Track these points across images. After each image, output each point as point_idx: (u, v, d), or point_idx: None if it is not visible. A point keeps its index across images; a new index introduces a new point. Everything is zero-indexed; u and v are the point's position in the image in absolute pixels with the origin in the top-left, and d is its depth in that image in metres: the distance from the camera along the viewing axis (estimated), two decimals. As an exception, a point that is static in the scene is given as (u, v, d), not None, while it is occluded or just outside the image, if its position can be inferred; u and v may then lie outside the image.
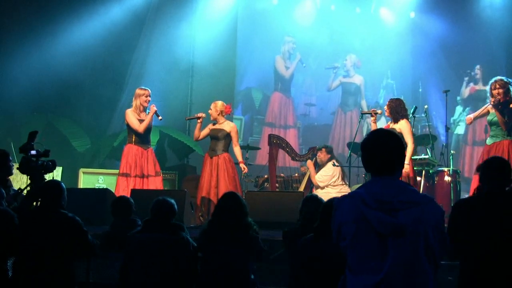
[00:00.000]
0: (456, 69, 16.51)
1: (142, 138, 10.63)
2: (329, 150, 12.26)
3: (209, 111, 10.82)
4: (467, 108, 15.93)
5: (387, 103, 10.23)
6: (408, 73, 17.85)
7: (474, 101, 15.74)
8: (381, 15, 17.71)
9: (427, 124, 12.23)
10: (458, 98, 16.64)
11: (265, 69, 17.38)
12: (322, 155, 12.13)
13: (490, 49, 16.39)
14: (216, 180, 10.46)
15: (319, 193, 11.28)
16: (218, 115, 10.76)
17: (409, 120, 10.89)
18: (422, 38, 17.07)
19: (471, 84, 16.41)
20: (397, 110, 10.03)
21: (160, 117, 10.68)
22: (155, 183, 10.63)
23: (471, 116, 10.27)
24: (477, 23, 16.40)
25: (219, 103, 10.86)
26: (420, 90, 16.97)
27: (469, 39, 16.44)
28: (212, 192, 10.37)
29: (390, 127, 9.94)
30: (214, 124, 10.82)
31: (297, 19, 17.23)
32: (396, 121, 10.02)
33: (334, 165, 11.88)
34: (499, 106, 9.62)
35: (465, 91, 16.60)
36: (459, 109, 16.42)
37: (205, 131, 10.76)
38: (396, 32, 17.24)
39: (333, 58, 17.67)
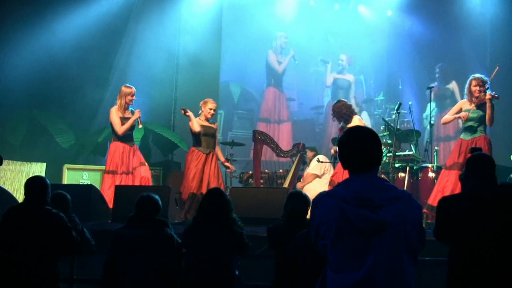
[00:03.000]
0: (428, 68, 16.64)
1: (127, 136, 10.63)
2: (313, 149, 12.87)
3: (205, 108, 10.84)
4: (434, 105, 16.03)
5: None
6: (384, 70, 17.91)
7: (438, 99, 15.92)
8: (360, 12, 17.75)
9: (411, 120, 12.27)
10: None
11: (245, 63, 17.32)
12: (310, 154, 12.68)
13: (460, 49, 16.57)
14: (208, 176, 10.53)
15: (304, 189, 11.34)
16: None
17: (395, 116, 10.99)
18: (398, 36, 17.12)
19: (436, 83, 16.58)
20: (340, 112, 10.36)
21: (140, 125, 10.69)
22: (142, 172, 10.63)
23: (450, 117, 10.36)
24: (451, 23, 16.58)
25: (212, 101, 10.94)
26: (400, 87, 17.08)
27: (442, 38, 16.59)
28: (203, 187, 10.41)
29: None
30: (208, 121, 10.85)
31: (277, 13, 17.20)
32: (347, 121, 10.21)
33: (318, 161, 12.01)
34: (490, 104, 9.74)
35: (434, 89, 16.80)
36: (431, 105, 16.55)
37: (198, 127, 10.74)
38: (374, 29, 17.28)
39: (311, 53, 17.69)
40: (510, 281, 4.71)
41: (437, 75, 15.91)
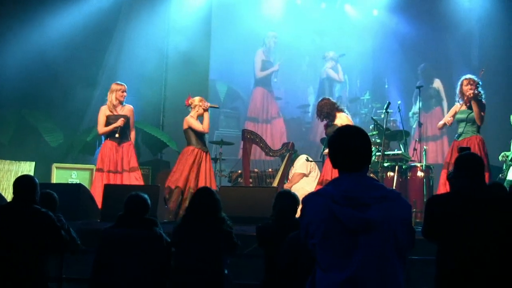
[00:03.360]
0: (414, 67, 16.73)
1: (121, 135, 10.67)
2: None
3: (199, 105, 10.89)
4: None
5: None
6: (370, 69, 18.00)
7: (423, 99, 16.04)
8: (346, 11, 17.78)
9: (400, 119, 12.29)
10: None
11: (232, 62, 17.29)
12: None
13: (446, 50, 16.68)
14: (204, 174, 10.63)
15: (292, 188, 11.35)
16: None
17: (384, 115, 11.02)
18: (385, 35, 17.17)
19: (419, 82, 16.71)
20: (321, 111, 10.47)
21: (117, 135, 10.70)
22: (130, 178, 10.64)
23: (441, 122, 10.51)
24: (437, 22, 16.67)
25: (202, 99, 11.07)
26: (386, 86, 17.14)
27: (428, 38, 16.68)
28: (193, 184, 10.45)
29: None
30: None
31: (264, 12, 17.19)
32: (330, 119, 10.37)
33: (307, 160, 12.02)
34: (475, 102, 9.83)
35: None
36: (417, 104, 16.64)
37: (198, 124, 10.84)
38: (360, 29, 17.32)
39: (297, 52, 17.74)
40: (499, 280, 4.71)
41: (419, 76, 16.02)
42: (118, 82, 11.02)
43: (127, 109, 11.00)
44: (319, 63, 17.48)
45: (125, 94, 10.81)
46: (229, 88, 17.26)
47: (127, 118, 10.86)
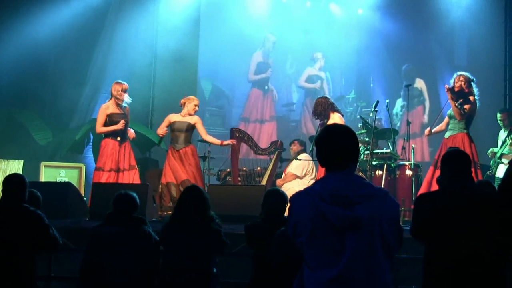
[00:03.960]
0: (398, 66, 16.84)
1: (120, 133, 10.65)
2: (302, 143, 12.60)
3: (190, 104, 10.96)
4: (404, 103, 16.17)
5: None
6: (355, 68, 18.08)
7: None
8: (331, 9, 17.83)
9: (389, 117, 12.31)
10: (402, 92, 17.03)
11: (216, 60, 17.28)
12: (295, 148, 12.47)
13: (429, 49, 16.81)
14: (191, 172, 10.70)
15: (283, 187, 11.36)
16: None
17: (372, 114, 11.05)
18: (369, 34, 17.23)
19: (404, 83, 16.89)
20: (316, 110, 10.53)
21: (118, 138, 10.69)
22: (129, 176, 10.65)
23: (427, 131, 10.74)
24: (421, 23, 16.82)
25: (195, 98, 11.23)
26: (372, 85, 17.22)
27: (411, 36, 16.78)
28: (178, 182, 10.49)
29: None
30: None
31: (250, 11, 17.20)
32: (324, 118, 10.41)
33: (296, 159, 12.00)
34: (457, 97, 9.91)
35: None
36: (399, 102, 16.66)
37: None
38: (345, 27, 17.37)
39: (281, 50, 17.80)
40: (487, 279, 4.72)
41: (402, 77, 16.15)
42: (119, 81, 11.01)
43: (126, 110, 10.96)
44: (304, 61, 17.56)
45: (123, 93, 10.80)
46: (214, 86, 17.30)
47: (126, 120, 10.82)
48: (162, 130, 11.10)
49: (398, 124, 15.96)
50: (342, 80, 18.23)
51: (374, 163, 11.05)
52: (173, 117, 10.95)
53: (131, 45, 15.17)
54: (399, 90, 16.71)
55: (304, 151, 12.32)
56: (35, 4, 14.19)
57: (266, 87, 17.16)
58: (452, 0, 16.37)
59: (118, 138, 10.64)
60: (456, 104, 9.97)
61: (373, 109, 11.21)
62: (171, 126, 10.93)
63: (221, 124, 16.88)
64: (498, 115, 11.69)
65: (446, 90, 10.06)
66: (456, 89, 10.02)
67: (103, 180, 10.33)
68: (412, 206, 5.78)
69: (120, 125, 10.55)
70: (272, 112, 17.19)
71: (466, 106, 9.96)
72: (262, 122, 16.88)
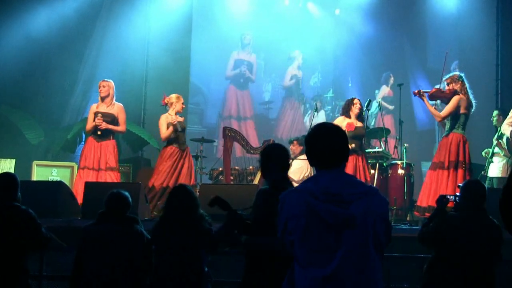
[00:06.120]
0: (374, 66, 16.97)
1: (103, 132, 10.65)
2: (301, 142, 12.30)
3: (179, 103, 10.95)
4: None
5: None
6: (332, 67, 18.10)
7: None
8: (309, 9, 17.90)
9: (380, 116, 12.37)
10: (376, 91, 17.12)
11: (201, 59, 17.34)
12: (294, 148, 12.39)
13: (402, 52, 17.04)
14: (184, 172, 10.72)
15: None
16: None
17: (363, 113, 11.05)
18: (346, 34, 17.27)
19: (385, 87, 17.05)
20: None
21: (99, 132, 10.68)
22: (105, 177, 10.61)
23: None
24: (396, 26, 16.97)
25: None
26: (350, 85, 17.35)
27: (386, 40, 16.99)
28: (172, 182, 10.49)
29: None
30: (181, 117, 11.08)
31: (230, 9, 17.24)
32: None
33: (295, 158, 11.98)
34: (432, 99, 10.02)
35: (385, 90, 17.10)
36: (374, 104, 16.79)
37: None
38: (322, 27, 17.43)
39: (259, 48, 17.87)
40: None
41: (390, 80, 16.39)
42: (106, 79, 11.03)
43: (116, 108, 10.90)
44: (279, 59, 17.67)
45: (100, 89, 10.78)
46: (191, 83, 17.24)
47: (111, 117, 10.76)
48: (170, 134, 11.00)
49: (372, 123, 16.03)
50: (320, 79, 18.22)
51: (366, 162, 11.08)
52: (170, 119, 10.88)
53: (123, 43, 15.16)
54: (375, 90, 17.03)
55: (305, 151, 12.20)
56: (25, 3, 14.17)
57: (242, 83, 17.22)
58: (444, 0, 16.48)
59: (98, 133, 10.65)
60: (434, 106, 10.07)
61: (365, 108, 11.22)
62: (174, 128, 10.83)
63: (199, 122, 16.96)
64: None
65: (414, 94, 10.18)
66: (440, 92, 10.04)
67: (84, 180, 10.32)
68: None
69: (96, 121, 10.56)
70: (251, 110, 17.24)
71: (449, 109, 9.94)
72: (240, 120, 16.93)
